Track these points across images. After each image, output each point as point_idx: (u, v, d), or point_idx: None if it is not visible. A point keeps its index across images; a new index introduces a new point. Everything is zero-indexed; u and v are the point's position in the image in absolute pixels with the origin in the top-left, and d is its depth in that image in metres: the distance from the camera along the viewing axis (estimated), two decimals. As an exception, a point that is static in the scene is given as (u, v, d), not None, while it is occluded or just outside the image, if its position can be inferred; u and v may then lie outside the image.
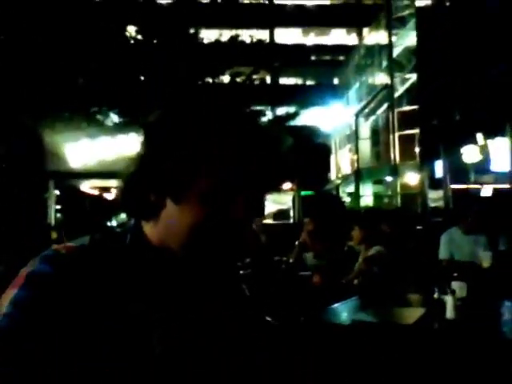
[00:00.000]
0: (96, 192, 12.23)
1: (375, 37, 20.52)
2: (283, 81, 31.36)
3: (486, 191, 13.84)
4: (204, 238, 0.78)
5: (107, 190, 11.71)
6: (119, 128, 12.13)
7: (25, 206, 9.47)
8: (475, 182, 14.53)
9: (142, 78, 14.28)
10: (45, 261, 0.77)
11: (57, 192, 12.68)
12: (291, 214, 18.80)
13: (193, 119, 0.79)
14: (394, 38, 18.49)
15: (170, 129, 0.79)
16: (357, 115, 20.42)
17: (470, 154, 14.00)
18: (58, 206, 13.31)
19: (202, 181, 0.77)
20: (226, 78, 15.94)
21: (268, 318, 1.01)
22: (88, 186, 12.62)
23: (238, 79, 16.02)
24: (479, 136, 14.26)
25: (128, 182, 0.82)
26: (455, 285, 3.05)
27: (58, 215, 12.85)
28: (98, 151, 10.44)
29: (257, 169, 0.79)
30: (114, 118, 14.44)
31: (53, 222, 11.23)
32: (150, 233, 0.83)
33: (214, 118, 0.79)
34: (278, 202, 19.68)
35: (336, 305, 3.38)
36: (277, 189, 0.85)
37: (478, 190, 14.14)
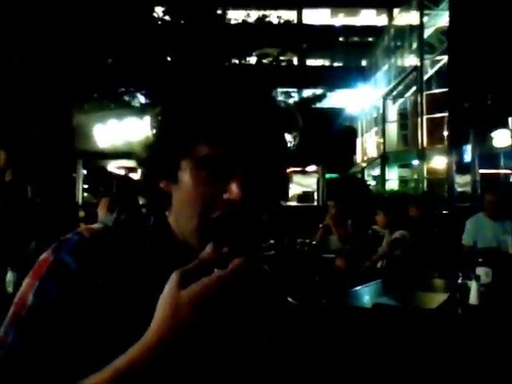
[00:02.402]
0: (122, 172, 12.39)
1: (406, 18, 20.06)
2: (310, 62, 30.98)
3: (516, 177, 13.55)
4: (203, 219, 0.74)
5: (133, 170, 11.85)
6: (146, 109, 12.21)
7: (55, 184, 9.66)
8: (505, 168, 14.23)
9: (169, 58, 14.30)
10: (67, 249, 0.75)
11: (84, 171, 12.89)
12: (315, 196, 18.73)
13: (188, 96, 0.77)
14: (425, 19, 18.04)
15: (165, 113, 0.79)
16: (384, 98, 20.11)
17: (500, 138, 13.68)
18: (86, 186, 13.54)
19: (193, 152, 0.73)
20: (252, 60, 15.83)
21: (290, 299, 1.00)
22: (115, 166, 12.79)
23: (265, 60, 15.89)
24: (511, 120, 13.91)
25: (141, 172, 0.83)
26: (480, 270, 3.02)
27: (86, 194, 13.07)
28: (125, 132, 10.55)
29: (252, 135, 0.74)
30: (141, 98, 14.54)
31: (80, 200, 11.44)
32: (171, 221, 0.82)
33: (210, 90, 0.76)
34: (303, 184, 19.61)
35: (358, 288, 3.38)
36: (277, 168, 0.79)
37: (508, 176, 13.85)
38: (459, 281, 2.86)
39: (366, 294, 3.26)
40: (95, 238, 0.77)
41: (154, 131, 0.79)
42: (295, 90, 20.85)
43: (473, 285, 2.77)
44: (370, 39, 26.94)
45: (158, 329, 0.60)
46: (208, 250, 0.62)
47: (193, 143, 0.73)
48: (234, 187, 0.72)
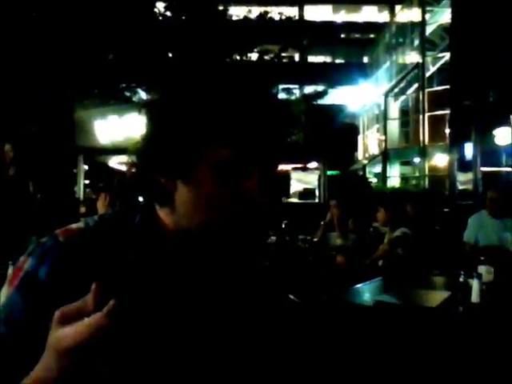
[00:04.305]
0: (124, 167, 12.38)
1: (408, 14, 20.00)
2: (312, 59, 30.93)
3: (518, 175, 13.53)
4: (221, 218, 0.73)
5: (135, 165, 11.83)
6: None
7: (56, 180, 9.67)
8: (507, 165, 14.20)
9: (170, 54, 14.27)
10: (40, 256, 0.74)
11: (86, 167, 12.89)
12: (317, 193, 18.72)
13: (195, 90, 0.73)
14: (427, 16, 17.99)
15: (171, 104, 0.74)
16: (386, 95, 20.06)
17: (502, 136, 13.63)
18: (87, 181, 13.54)
19: (210, 152, 0.71)
20: (254, 56, 15.80)
21: (291, 296, 0.99)
22: (116, 162, 12.78)
23: (267, 57, 15.85)
24: (513, 118, 13.88)
25: (136, 165, 0.79)
26: (482, 268, 3.01)
27: (87, 190, 13.07)
28: (125, 127, 10.53)
29: (267, 135, 0.74)
30: (142, 94, 14.51)
31: (81, 196, 11.44)
32: (166, 218, 0.78)
33: (219, 87, 0.73)
34: (304, 181, 19.59)
35: (359, 285, 3.37)
36: (282, 160, 0.79)
37: (510, 173, 13.82)
38: (461, 279, 2.85)
39: (367, 292, 3.25)
40: (70, 241, 0.75)
41: (158, 126, 0.75)
42: (296, 86, 20.80)
43: (474, 283, 2.76)
44: (372, 36, 26.89)
45: (41, 361, 0.59)
46: (91, 292, 0.58)
47: (209, 145, 0.72)
48: (254, 187, 0.73)
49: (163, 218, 0.79)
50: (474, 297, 2.74)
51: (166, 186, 0.75)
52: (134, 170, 0.80)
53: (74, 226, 0.79)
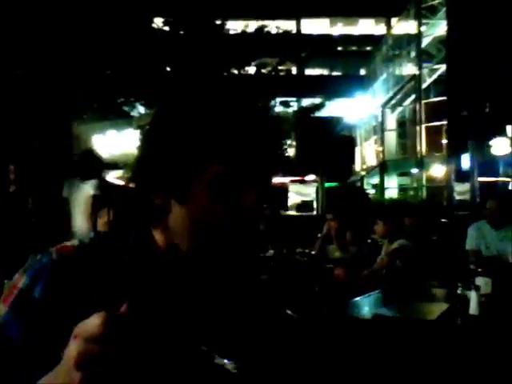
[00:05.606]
0: (122, 182, 12.40)
1: (404, 27, 20.19)
2: (309, 72, 31.09)
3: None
4: (216, 237, 0.74)
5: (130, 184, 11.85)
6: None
7: (56, 194, 9.65)
8: (504, 175, 14.25)
9: (169, 69, 14.35)
10: (34, 274, 0.74)
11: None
12: (315, 205, 18.70)
13: (188, 109, 0.74)
14: (423, 28, 18.17)
15: (165, 123, 0.75)
16: (383, 106, 20.19)
17: (499, 146, 13.71)
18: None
19: (205, 170, 0.72)
20: (251, 69, 15.90)
21: (288, 312, 0.99)
22: (114, 177, 12.80)
23: (264, 70, 15.96)
24: (509, 128, 13.96)
25: (131, 183, 0.79)
26: (480, 280, 3.00)
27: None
28: (124, 142, 10.57)
29: (260, 151, 0.75)
30: (141, 109, 14.56)
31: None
32: (160, 237, 0.78)
33: (212, 105, 0.74)
34: (302, 193, 19.62)
35: (358, 298, 3.36)
36: (276, 172, 0.80)
37: (507, 184, 13.87)
38: (458, 291, 2.85)
39: (366, 305, 3.24)
40: (64, 259, 0.75)
41: (152, 146, 0.76)
42: (294, 99, 20.92)
43: (472, 295, 2.75)
44: (369, 48, 27.08)
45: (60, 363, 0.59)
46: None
47: (204, 163, 0.72)
48: (249, 203, 0.73)
49: (158, 236, 0.79)
50: (473, 309, 2.73)
51: (160, 206, 0.75)
52: (128, 189, 0.80)
53: (68, 243, 0.79)
